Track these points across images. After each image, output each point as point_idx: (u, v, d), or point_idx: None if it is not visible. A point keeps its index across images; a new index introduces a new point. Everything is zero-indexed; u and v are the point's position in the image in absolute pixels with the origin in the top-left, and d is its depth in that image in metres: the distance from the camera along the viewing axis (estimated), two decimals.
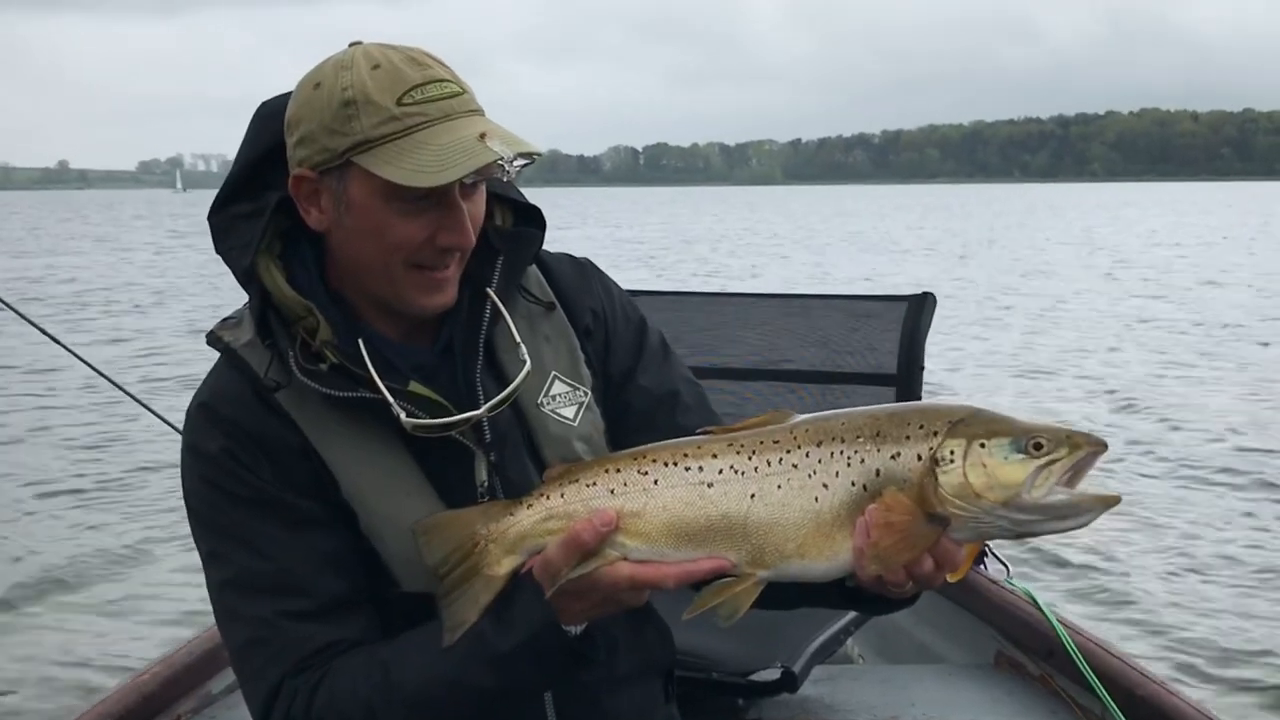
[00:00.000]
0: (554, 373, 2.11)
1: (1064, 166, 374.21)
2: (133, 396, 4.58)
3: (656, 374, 2.22)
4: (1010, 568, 3.84)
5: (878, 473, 1.75)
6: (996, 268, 34.25)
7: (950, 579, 1.81)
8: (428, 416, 1.94)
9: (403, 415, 1.91)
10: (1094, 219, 72.53)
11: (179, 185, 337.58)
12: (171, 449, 2.42)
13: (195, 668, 3.29)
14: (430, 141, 1.83)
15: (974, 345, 18.60)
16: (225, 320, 2.07)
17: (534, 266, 2.18)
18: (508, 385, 2.02)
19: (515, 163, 1.87)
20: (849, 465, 1.76)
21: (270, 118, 2.01)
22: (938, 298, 3.73)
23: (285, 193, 1.96)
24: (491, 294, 2.05)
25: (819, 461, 1.77)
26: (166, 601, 7.51)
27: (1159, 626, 7.09)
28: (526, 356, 2.04)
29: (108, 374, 4.55)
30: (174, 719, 3.18)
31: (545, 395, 2.09)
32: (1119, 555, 8.30)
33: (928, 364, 3.67)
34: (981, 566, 3.87)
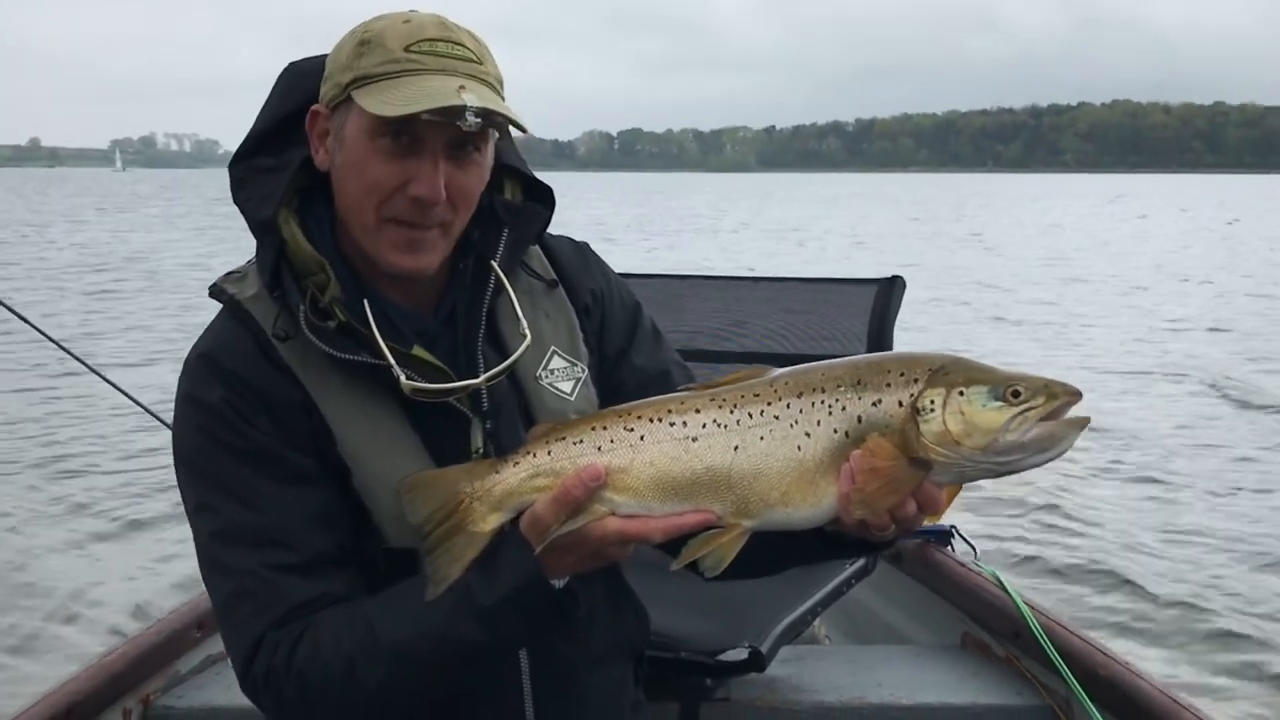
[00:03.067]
0: (553, 348, 2.15)
1: (1037, 157, 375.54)
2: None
3: (649, 355, 2.27)
4: (978, 550, 3.87)
5: (860, 420, 1.78)
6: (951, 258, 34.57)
7: (928, 521, 1.85)
8: (428, 381, 1.97)
9: (402, 378, 1.94)
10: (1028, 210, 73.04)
11: (118, 164, 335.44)
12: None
13: (163, 648, 3.29)
14: (416, 84, 1.87)
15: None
16: (229, 274, 2.09)
17: (536, 246, 2.22)
18: (507, 355, 2.06)
19: (476, 119, 1.87)
20: (830, 414, 1.79)
21: (299, 76, 2.06)
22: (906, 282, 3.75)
23: (309, 151, 2.01)
24: (495, 266, 2.09)
25: (800, 412, 1.80)
26: (136, 580, 7.45)
27: (1125, 608, 7.19)
28: (527, 330, 2.08)
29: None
30: (142, 699, 3.18)
31: (544, 369, 2.13)
32: (1085, 535, 8.43)
33: (897, 347, 3.69)
34: (949, 548, 3.91)
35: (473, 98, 1.86)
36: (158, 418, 4.24)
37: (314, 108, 1.99)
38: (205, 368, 2.00)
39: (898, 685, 3.28)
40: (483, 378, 2.01)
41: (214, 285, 2.08)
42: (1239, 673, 6.32)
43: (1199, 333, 19.56)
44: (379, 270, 2.01)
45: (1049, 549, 8.13)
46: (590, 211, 62.43)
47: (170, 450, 2.06)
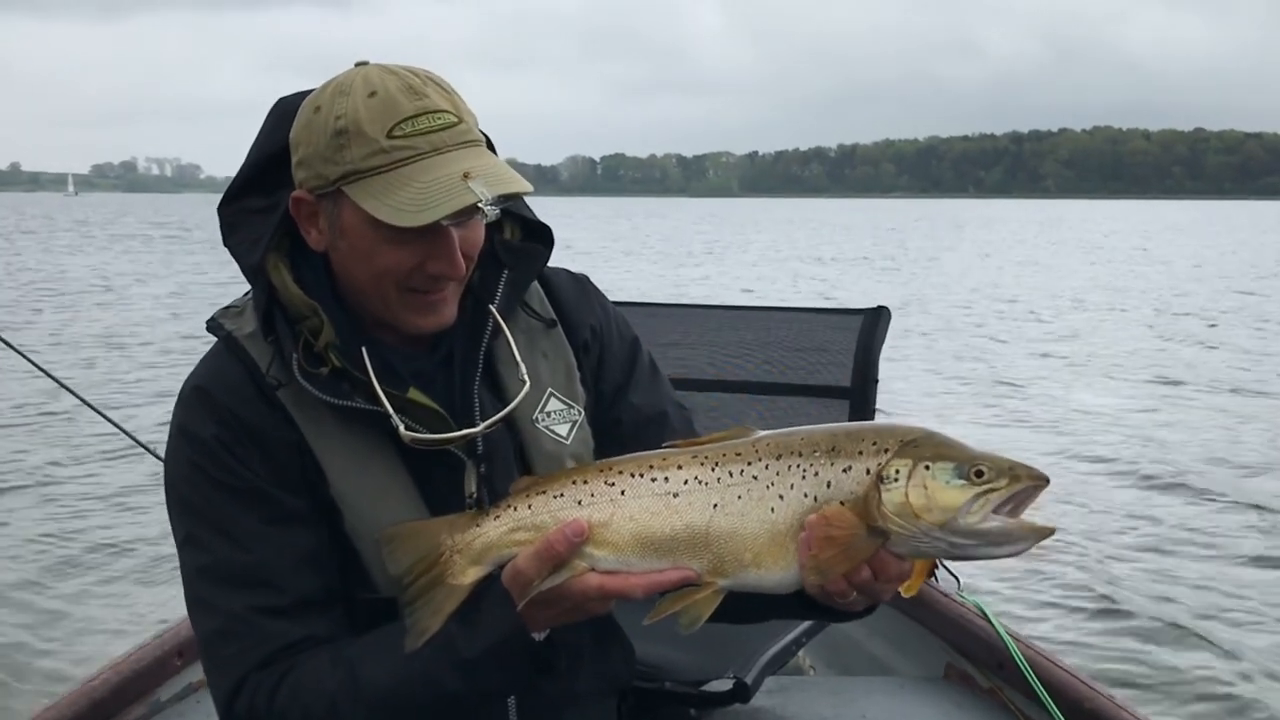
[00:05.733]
0: (550, 390, 2.15)
1: (1018, 183, 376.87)
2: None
3: (646, 393, 2.26)
4: (961, 580, 3.87)
5: (829, 485, 1.78)
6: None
7: (903, 593, 1.85)
8: (424, 425, 1.97)
9: (401, 429, 1.94)
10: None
11: (71, 189, 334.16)
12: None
13: (145, 674, 3.27)
14: (415, 178, 1.85)
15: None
16: (227, 308, 2.10)
17: (535, 282, 2.21)
18: (504, 398, 2.07)
19: (492, 208, 1.88)
20: (804, 478, 1.80)
21: (286, 116, 2.03)
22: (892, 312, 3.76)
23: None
24: (494, 311, 2.08)
25: (777, 474, 1.81)
26: (117, 608, 7.41)
27: (1110, 640, 7.20)
28: (526, 377, 2.08)
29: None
30: None
31: (540, 411, 2.13)
32: (1070, 568, 8.42)
33: (881, 377, 3.70)
34: (933, 579, 3.90)
35: (482, 186, 1.85)
36: (139, 441, 4.23)
37: (296, 195, 1.96)
38: (200, 402, 2.00)
39: (881, 716, 3.29)
40: (480, 427, 2.01)
41: (211, 320, 2.08)
42: (1221, 706, 6.32)
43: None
44: (376, 316, 2.01)
45: (1033, 580, 8.13)
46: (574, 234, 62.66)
47: (162, 480, 2.06)
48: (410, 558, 1.89)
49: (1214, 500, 10.24)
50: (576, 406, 2.17)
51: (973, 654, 3.50)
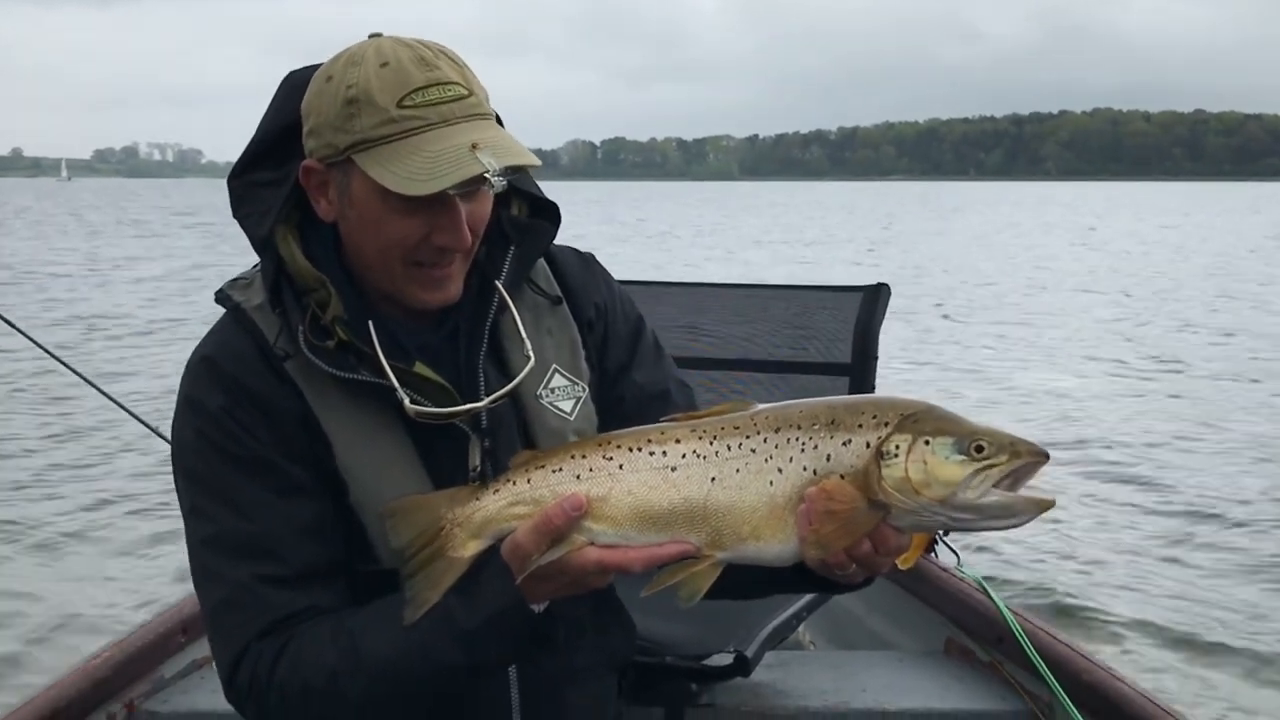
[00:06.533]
0: (554, 366, 2.15)
1: (1018, 165, 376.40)
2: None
3: (650, 371, 2.27)
4: (961, 556, 3.89)
5: (828, 458, 1.79)
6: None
7: (901, 565, 1.86)
8: (429, 398, 1.98)
9: (406, 401, 1.95)
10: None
11: (64, 174, 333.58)
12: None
13: (147, 652, 3.28)
14: (424, 147, 1.86)
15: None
16: (235, 280, 2.11)
17: (541, 259, 2.22)
18: (509, 374, 2.07)
19: (499, 180, 1.88)
20: (803, 451, 1.80)
21: (296, 89, 2.04)
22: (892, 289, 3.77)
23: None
24: (500, 287, 2.09)
25: (775, 447, 1.81)
26: (120, 584, 7.42)
27: (1109, 614, 7.23)
28: (531, 353, 2.09)
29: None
30: (126, 703, 3.17)
31: (545, 387, 2.13)
32: (1070, 543, 8.48)
33: (881, 354, 3.70)
34: (933, 555, 3.92)
35: (489, 157, 1.86)
36: (149, 426, 4.23)
37: (306, 164, 1.98)
38: (208, 372, 2.01)
39: (881, 691, 3.30)
40: (485, 401, 2.02)
41: (220, 291, 2.09)
42: (1221, 677, 6.38)
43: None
44: (383, 289, 2.02)
45: (1033, 555, 8.17)
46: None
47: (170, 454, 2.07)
48: (412, 531, 1.90)
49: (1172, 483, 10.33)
50: (581, 383, 2.17)
51: (972, 628, 3.52)
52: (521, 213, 2.17)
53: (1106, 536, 8.77)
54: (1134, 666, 6.21)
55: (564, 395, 2.14)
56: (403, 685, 1.92)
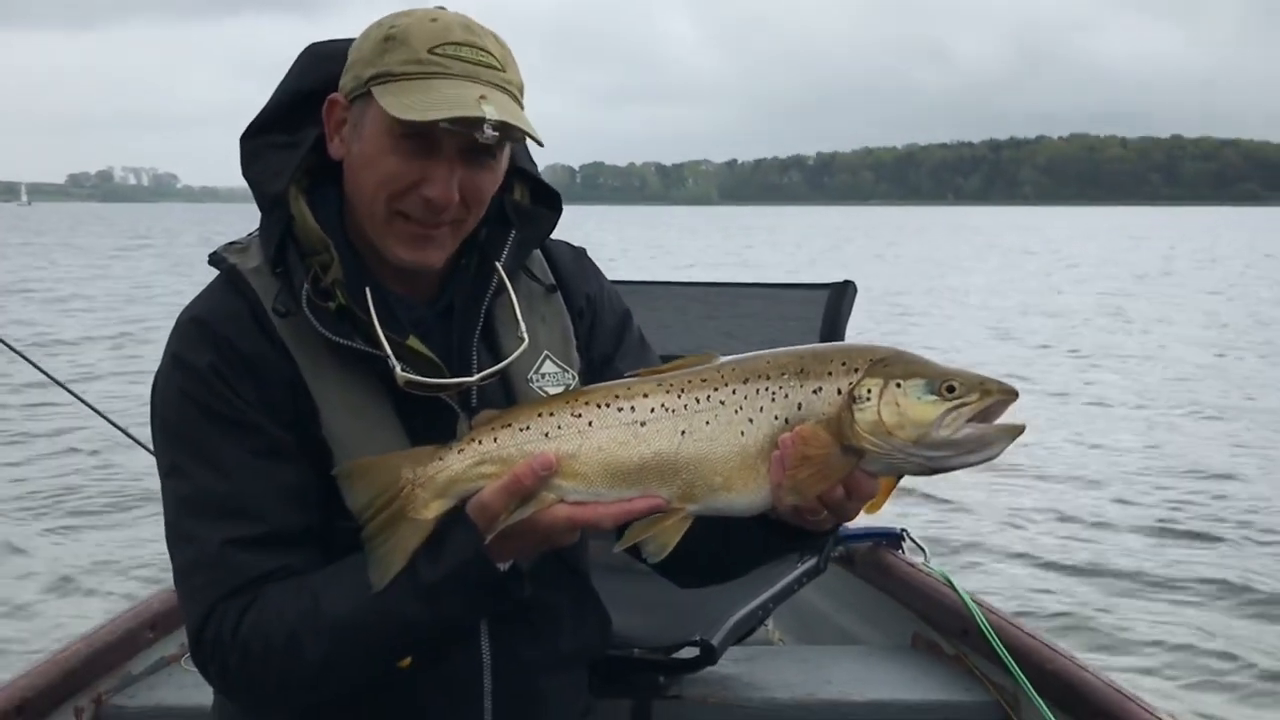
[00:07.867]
0: (546, 352, 2.17)
1: (995, 190, 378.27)
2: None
3: (634, 363, 2.26)
4: (928, 552, 3.91)
5: (800, 406, 1.81)
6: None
7: (867, 511, 1.87)
8: (420, 373, 1.99)
9: (398, 369, 1.96)
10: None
11: (24, 198, 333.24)
12: None
13: (116, 647, 3.28)
14: (437, 89, 1.90)
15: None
16: (230, 244, 2.12)
17: (537, 250, 2.24)
18: (501, 355, 2.09)
19: (493, 131, 1.89)
20: (773, 400, 1.82)
21: (318, 58, 2.09)
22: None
23: (322, 130, 2.04)
24: (499, 268, 2.12)
25: (745, 398, 1.83)
26: (91, 576, 7.35)
27: (1073, 606, 7.35)
28: (525, 334, 2.11)
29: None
30: (94, 698, 3.17)
31: (535, 372, 2.15)
32: (1033, 537, 8.65)
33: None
34: (900, 551, 3.95)
35: (492, 109, 1.88)
36: (128, 434, 4.22)
37: (332, 96, 2.02)
38: (197, 331, 2.02)
39: (848, 683, 3.32)
40: (477, 376, 2.04)
41: (214, 254, 2.10)
42: (1185, 665, 6.46)
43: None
44: (382, 258, 2.04)
45: (999, 551, 8.31)
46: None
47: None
48: (370, 491, 1.88)
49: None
50: (571, 370, 2.19)
51: (939, 622, 3.54)
52: (524, 198, 2.20)
53: (1075, 530, 8.93)
54: (1099, 656, 6.26)
55: (553, 381, 2.16)
56: (364, 643, 1.92)
